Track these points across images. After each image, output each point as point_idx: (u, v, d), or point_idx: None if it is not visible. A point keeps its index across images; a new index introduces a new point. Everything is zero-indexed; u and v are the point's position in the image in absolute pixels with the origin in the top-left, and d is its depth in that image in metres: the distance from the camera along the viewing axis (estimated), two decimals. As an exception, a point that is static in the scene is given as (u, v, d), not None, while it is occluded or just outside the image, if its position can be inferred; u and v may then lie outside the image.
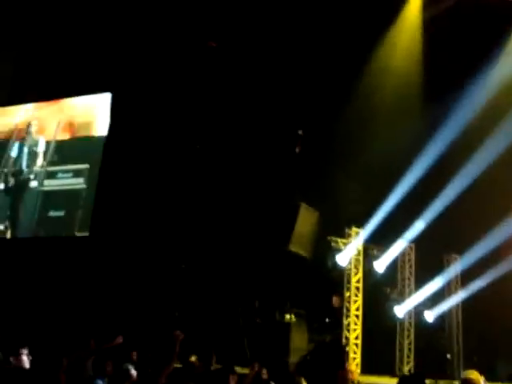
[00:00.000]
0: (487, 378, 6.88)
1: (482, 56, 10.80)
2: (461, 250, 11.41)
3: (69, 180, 12.17)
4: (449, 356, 11.85)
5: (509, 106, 10.81)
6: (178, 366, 4.95)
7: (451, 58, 10.84)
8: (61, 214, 12.09)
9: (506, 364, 10.66)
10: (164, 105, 11.66)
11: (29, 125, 12.82)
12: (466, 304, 11.58)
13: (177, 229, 11.03)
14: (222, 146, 11.34)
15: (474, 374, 5.41)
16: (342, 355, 10.15)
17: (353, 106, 10.86)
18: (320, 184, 10.84)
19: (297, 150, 11.19)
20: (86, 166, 12.03)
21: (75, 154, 12.31)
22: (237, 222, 10.63)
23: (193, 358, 5.73)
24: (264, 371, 6.07)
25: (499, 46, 11.12)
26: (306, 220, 10.73)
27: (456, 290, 11.91)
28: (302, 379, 4.41)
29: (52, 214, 12.16)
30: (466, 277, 11.53)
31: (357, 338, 10.82)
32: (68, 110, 12.78)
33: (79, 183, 12.05)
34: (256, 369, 5.21)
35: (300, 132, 11.32)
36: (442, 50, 11.02)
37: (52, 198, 12.29)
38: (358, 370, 10.23)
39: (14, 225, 12.54)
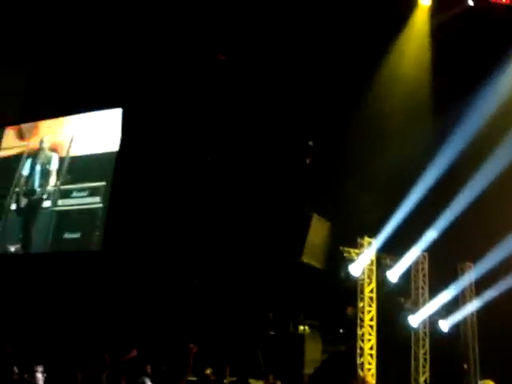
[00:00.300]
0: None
1: (491, 63, 10.81)
2: (474, 259, 11.34)
3: (85, 199, 11.63)
4: (466, 366, 11.72)
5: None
6: (193, 378, 4.95)
7: (460, 66, 10.87)
8: (77, 235, 11.51)
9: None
10: (174, 118, 11.71)
11: (41, 141, 12.53)
12: (480, 313, 11.48)
13: (189, 242, 11.04)
14: (233, 158, 11.37)
15: (489, 383, 5.39)
16: (354, 365, 10.12)
17: (362, 114, 10.89)
18: (331, 194, 10.85)
19: (307, 160, 11.20)
20: (102, 183, 11.51)
21: (90, 171, 11.78)
22: (249, 234, 10.64)
23: (208, 371, 5.75)
24: (278, 383, 6.07)
25: (508, 53, 11.12)
26: (317, 231, 10.72)
27: (470, 298, 11.80)
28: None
29: (67, 236, 11.57)
30: (480, 285, 11.44)
31: (371, 348, 10.75)
32: (80, 126, 12.44)
33: (96, 202, 11.47)
34: (271, 381, 5.21)
35: (310, 143, 11.35)
36: (451, 57, 11.05)
37: (67, 219, 11.73)
38: (374, 381, 10.16)
39: (26, 247, 12.00)
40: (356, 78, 10.95)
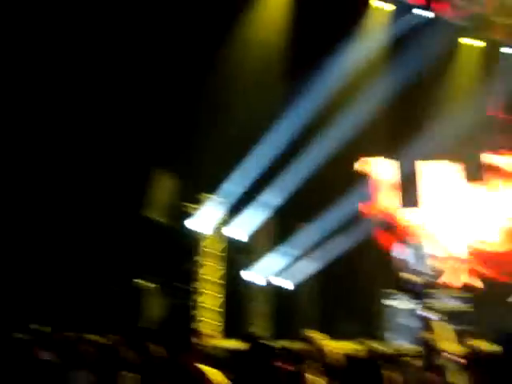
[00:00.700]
0: (331, 336, 7.37)
1: (343, 33, 11.31)
2: (317, 219, 11.94)
3: None
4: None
5: (362, 86, 11.51)
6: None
7: (315, 32, 11.17)
8: None
9: (345, 322, 11.32)
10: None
11: None
12: (321, 270, 12.10)
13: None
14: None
15: (314, 333, 5.82)
16: (194, 321, 10.31)
17: (216, 75, 10.83)
18: (178, 151, 10.70)
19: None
20: None
21: None
22: (91, 190, 10.19)
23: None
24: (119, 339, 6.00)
25: (358, 24, 11.73)
26: (162, 186, 10.60)
27: (311, 256, 12.38)
28: (156, 346, 4.42)
29: None
30: (320, 244, 12.09)
31: (217, 304, 10.94)
32: None
33: None
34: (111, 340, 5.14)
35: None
36: (308, 25, 11.33)
37: None
38: (219, 336, 10.40)
39: None
40: (210, 40, 10.80)
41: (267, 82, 11.13)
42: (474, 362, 3.27)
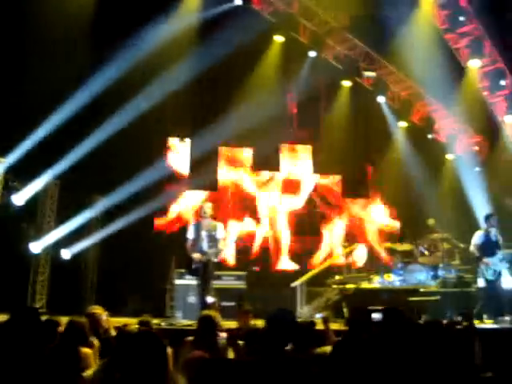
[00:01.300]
0: (119, 314, 7.20)
1: (154, 12, 11.14)
2: (104, 191, 11.69)
3: None
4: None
5: (167, 66, 11.47)
6: None
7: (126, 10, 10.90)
8: None
9: (135, 300, 11.33)
10: None
11: None
12: (103, 243, 11.91)
13: None
14: None
15: (97, 309, 5.65)
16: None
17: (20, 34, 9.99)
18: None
19: None
20: None
21: None
22: None
23: None
24: None
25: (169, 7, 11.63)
26: None
27: (95, 229, 12.14)
28: None
29: None
30: (106, 217, 11.88)
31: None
32: None
33: None
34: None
35: None
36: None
37: None
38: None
39: None
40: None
41: (72, 52, 10.57)
42: (246, 337, 3.41)
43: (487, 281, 9.19)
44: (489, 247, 9.24)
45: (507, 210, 11.55)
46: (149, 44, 11.10)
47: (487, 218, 9.58)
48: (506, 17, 12.23)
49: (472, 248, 9.42)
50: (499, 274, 9.22)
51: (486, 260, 9.12)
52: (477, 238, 9.37)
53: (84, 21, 10.75)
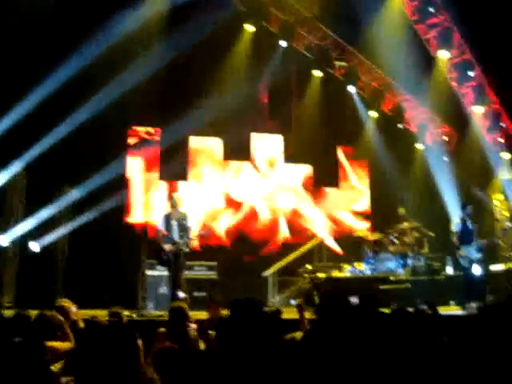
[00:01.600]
0: (89, 306, 7.15)
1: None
2: (75, 183, 11.52)
3: None
4: None
5: (135, 54, 11.34)
6: None
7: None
8: None
9: (106, 292, 11.22)
10: None
11: None
12: (73, 235, 11.75)
13: None
14: None
15: (65, 302, 5.59)
16: None
17: None
18: None
19: None
20: None
21: None
22: None
23: None
24: None
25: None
26: None
27: (65, 221, 11.96)
28: None
29: None
30: (76, 209, 11.72)
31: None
32: None
33: None
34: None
35: None
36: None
37: None
38: None
39: None
40: None
41: (37, 40, 10.37)
42: (216, 327, 3.40)
43: (463, 268, 9.36)
44: (466, 235, 9.41)
45: (475, 199, 11.75)
46: (117, 32, 10.94)
47: (463, 207, 9.75)
48: (473, 8, 12.37)
49: (452, 236, 9.62)
50: (473, 262, 9.42)
51: (462, 249, 9.30)
52: (454, 226, 9.60)
53: (48, 10, 10.55)
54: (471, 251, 9.34)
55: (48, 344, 4.13)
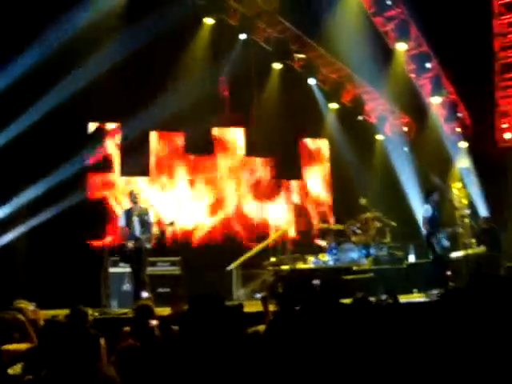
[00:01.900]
0: (51, 306, 7.00)
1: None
2: (32, 180, 11.29)
3: None
4: None
5: (94, 46, 11.14)
6: None
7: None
8: None
9: (68, 291, 11.01)
10: None
11: None
12: (32, 234, 11.51)
13: None
14: None
15: (22, 303, 5.45)
16: None
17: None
18: None
19: None
20: None
21: None
22: None
23: None
24: None
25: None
26: None
27: (23, 220, 11.69)
28: None
29: None
30: (34, 207, 11.47)
31: None
32: None
33: None
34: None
35: None
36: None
37: None
38: None
39: None
40: None
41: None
42: (179, 322, 3.38)
43: (436, 255, 9.36)
44: (435, 222, 9.44)
45: (434, 188, 11.94)
46: (74, 26, 10.73)
47: (429, 194, 9.76)
48: (429, 1, 12.56)
49: (422, 223, 9.58)
50: (445, 249, 9.47)
51: (438, 234, 9.28)
52: (424, 211, 9.52)
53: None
54: (442, 238, 9.38)
55: (4, 348, 4.02)
